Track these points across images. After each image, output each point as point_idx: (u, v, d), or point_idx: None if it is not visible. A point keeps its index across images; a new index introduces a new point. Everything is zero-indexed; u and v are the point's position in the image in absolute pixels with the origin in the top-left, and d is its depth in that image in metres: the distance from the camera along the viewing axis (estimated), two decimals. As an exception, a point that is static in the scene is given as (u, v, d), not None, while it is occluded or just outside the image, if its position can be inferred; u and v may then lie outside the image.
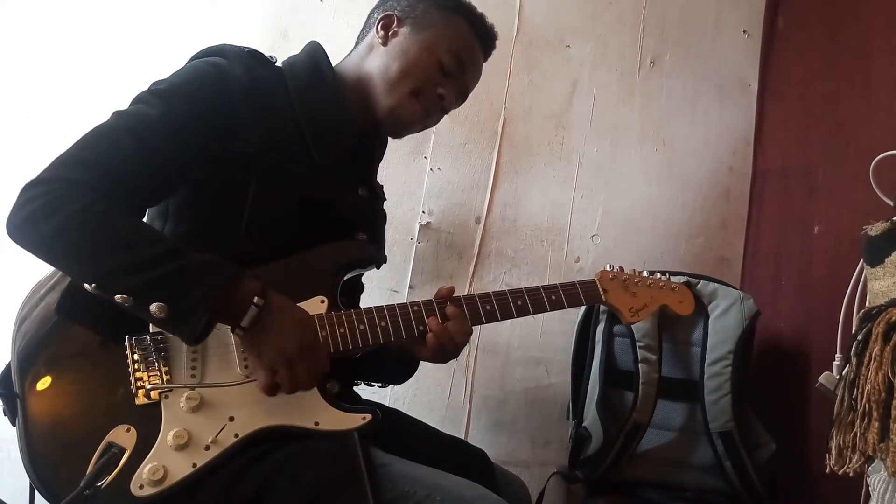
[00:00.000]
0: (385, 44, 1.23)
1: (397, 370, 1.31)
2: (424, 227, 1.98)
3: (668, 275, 1.37)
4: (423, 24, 1.23)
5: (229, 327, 0.98)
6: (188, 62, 1.14)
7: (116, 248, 0.92)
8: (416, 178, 1.99)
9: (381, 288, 1.92)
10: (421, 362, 1.26)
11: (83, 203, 0.92)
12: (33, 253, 0.93)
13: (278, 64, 1.21)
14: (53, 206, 0.91)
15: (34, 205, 0.91)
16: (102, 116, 1.03)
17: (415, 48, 1.22)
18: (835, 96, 1.85)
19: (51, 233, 0.91)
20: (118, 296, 0.90)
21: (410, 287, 1.96)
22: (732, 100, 2.17)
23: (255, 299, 0.97)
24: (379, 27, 1.24)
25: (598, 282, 1.29)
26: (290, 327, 1.00)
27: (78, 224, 0.91)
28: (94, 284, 0.91)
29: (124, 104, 1.06)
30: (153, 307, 0.90)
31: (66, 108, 1.72)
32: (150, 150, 1.00)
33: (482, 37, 1.28)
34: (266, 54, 1.20)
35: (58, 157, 0.97)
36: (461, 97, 1.31)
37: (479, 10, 1.29)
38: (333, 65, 1.26)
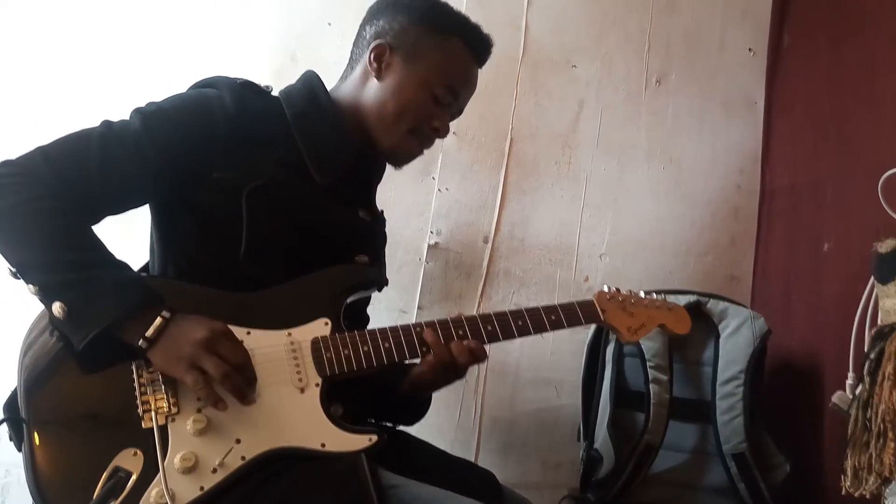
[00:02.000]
0: (379, 77, 1.23)
1: (408, 409, 1.31)
2: (433, 248, 1.98)
3: (664, 295, 1.38)
4: (417, 55, 1.22)
5: (135, 341, 0.98)
6: (185, 91, 1.18)
7: (43, 244, 0.97)
8: (424, 198, 2.00)
9: (389, 309, 1.92)
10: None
11: (32, 195, 0.98)
12: None
13: (275, 93, 1.23)
14: (6, 190, 0.98)
15: None
16: (98, 119, 1.09)
17: (409, 85, 1.21)
18: (842, 112, 1.84)
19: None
20: (30, 286, 0.96)
21: (419, 308, 1.96)
22: (739, 117, 2.17)
23: (163, 312, 0.98)
24: (371, 57, 1.23)
25: (596, 302, 1.29)
26: (197, 323, 1.00)
27: (18, 212, 0.97)
28: (14, 269, 0.97)
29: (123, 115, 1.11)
30: (55, 306, 0.95)
31: (66, 117, 1.74)
32: (110, 159, 1.05)
33: (478, 51, 1.28)
34: (262, 84, 1.22)
35: (37, 148, 1.03)
36: (457, 115, 1.32)
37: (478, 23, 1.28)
38: (330, 87, 1.27)
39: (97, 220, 1.08)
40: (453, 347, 1.15)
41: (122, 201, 1.10)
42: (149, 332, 0.97)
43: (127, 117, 1.11)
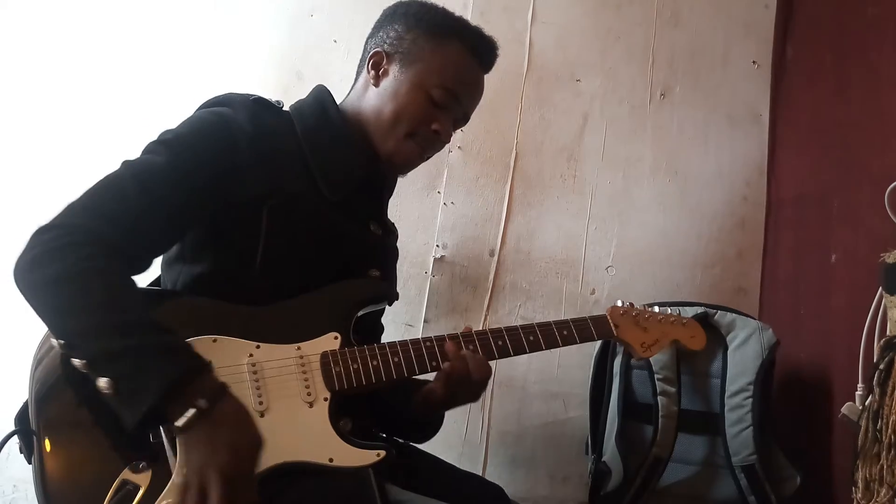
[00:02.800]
0: (377, 84, 1.23)
1: (419, 427, 1.30)
2: (439, 261, 1.99)
3: (678, 309, 1.37)
4: (412, 59, 1.22)
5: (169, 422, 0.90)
6: (195, 111, 1.17)
7: (91, 308, 0.91)
8: (430, 212, 2.01)
9: (396, 322, 1.92)
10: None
11: (84, 253, 0.93)
12: (25, 299, 0.93)
13: (286, 108, 1.24)
14: (56, 253, 0.93)
15: (35, 251, 0.93)
16: (109, 142, 1.07)
17: (404, 88, 1.21)
18: (847, 124, 1.85)
19: (42, 281, 0.92)
20: (77, 360, 0.90)
21: (425, 321, 1.96)
22: (744, 130, 2.17)
23: (200, 401, 0.90)
24: (370, 66, 1.24)
25: (609, 317, 1.28)
26: (222, 446, 0.90)
27: (69, 277, 0.91)
28: (61, 342, 0.92)
29: (135, 145, 1.10)
30: (102, 382, 0.88)
31: (73, 133, 1.77)
32: (153, 197, 1.02)
33: (479, 53, 1.25)
34: (272, 100, 1.22)
35: (68, 205, 0.99)
36: (462, 122, 1.30)
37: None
38: (339, 101, 1.28)
39: (147, 266, 1.05)
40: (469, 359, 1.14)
41: (171, 235, 1.08)
42: (179, 422, 0.89)
43: (139, 142, 1.10)
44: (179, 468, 0.90)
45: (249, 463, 0.93)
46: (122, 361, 0.89)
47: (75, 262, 0.92)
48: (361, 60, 1.30)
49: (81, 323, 0.91)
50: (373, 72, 1.24)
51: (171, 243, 1.11)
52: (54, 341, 0.93)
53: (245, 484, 0.92)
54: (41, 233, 0.95)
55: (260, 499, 0.92)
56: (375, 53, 1.24)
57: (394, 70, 1.23)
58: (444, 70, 1.22)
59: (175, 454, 0.92)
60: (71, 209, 0.98)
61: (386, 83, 1.23)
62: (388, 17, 1.28)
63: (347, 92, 1.32)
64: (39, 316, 0.93)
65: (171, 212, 1.05)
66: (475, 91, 1.29)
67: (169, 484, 0.91)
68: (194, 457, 0.90)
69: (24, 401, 1.01)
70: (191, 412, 0.89)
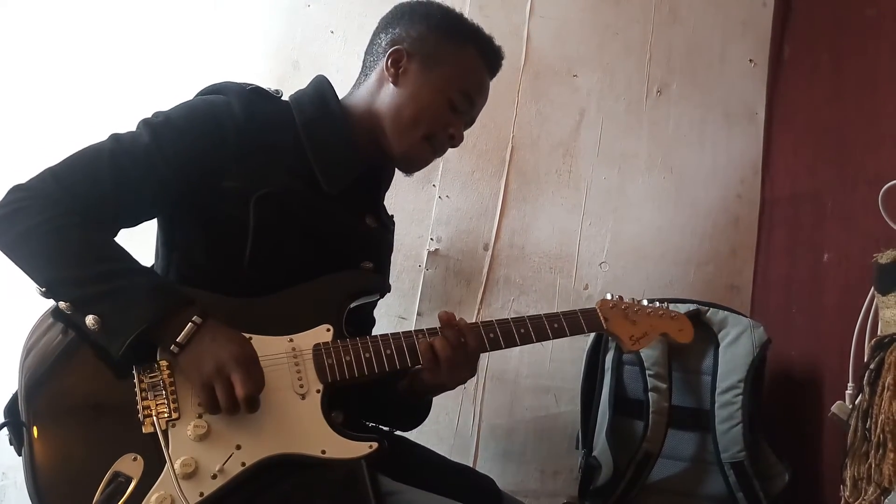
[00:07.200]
0: (396, 82, 1.23)
1: (408, 413, 1.30)
2: (433, 254, 1.99)
3: (667, 303, 1.37)
4: (434, 62, 1.23)
5: (167, 346, 1.00)
6: (192, 98, 1.18)
7: (68, 261, 0.99)
8: (425, 205, 2.01)
9: (389, 315, 1.92)
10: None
11: (48, 215, 0.99)
12: (3, 252, 1.00)
13: (285, 98, 1.23)
14: (21, 213, 1.00)
15: (6, 209, 1.00)
16: (103, 130, 1.10)
17: (426, 90, 1.22)
18: (843, 124, 1.85)
19: (15, 237, 0.99)
20: (61, 303, 0.99)
21: (419, 314, 1.96)
22: (740, 128, 2.17)
23: (194, 318, 1.00)
24: (389, 62, 1.23)
25: (598, 310, 1.28)
26: (226, 341, 1.01)
27: (38, 233, 0.98)
28: (43, 289, 0.99)
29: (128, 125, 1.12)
30: (89, 319, 0.96)
31: (66, 120, 1.77)
32: (122, 175, 1.06)
33: (490, 60, 1.29)
34: (271, 89, 1.22)
35: (46, 169, 1.04)
36: (470, 125, 1.32)
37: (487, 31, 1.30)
38: (341, 95, 1.27)
39: (114, 234, 1.08)
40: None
41: (136, 215, 1.12)
42: (179, 338, 0.98)
43: (133, 127, 1.11)
44: (195, 379, 0.98)
45: (251, 348, 1.03)
46: (106, 301, 0.97)
47: (48, 218, 0.99)
48: (372, 54, 1.29)
49: (61, 272, 0.98)
50: (392, 69, 1.23)
51: (140, 220, 1.13)
52: (36, 287, 0.99)
53: (255, 366, 1.02)
54: (14, 191, 1.02)
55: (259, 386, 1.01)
56: (396, 51, 1.23)
57: (414, 70, 1.22)
58: (463, 75, 1.24)
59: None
60: (45, 176, 1.03)
61: (406, 84, 1.22)
62: (406, 15, 1.27)
63: (354, 84, 1.31)
64: (20, 268, 0.99)
65: (137, 191, 1.07)
66: (485, 96, 1.32)
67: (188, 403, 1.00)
68: (206, 360, 0.98)
69: (14, 392, 1.01)
70: (188, 327, 0.99)
